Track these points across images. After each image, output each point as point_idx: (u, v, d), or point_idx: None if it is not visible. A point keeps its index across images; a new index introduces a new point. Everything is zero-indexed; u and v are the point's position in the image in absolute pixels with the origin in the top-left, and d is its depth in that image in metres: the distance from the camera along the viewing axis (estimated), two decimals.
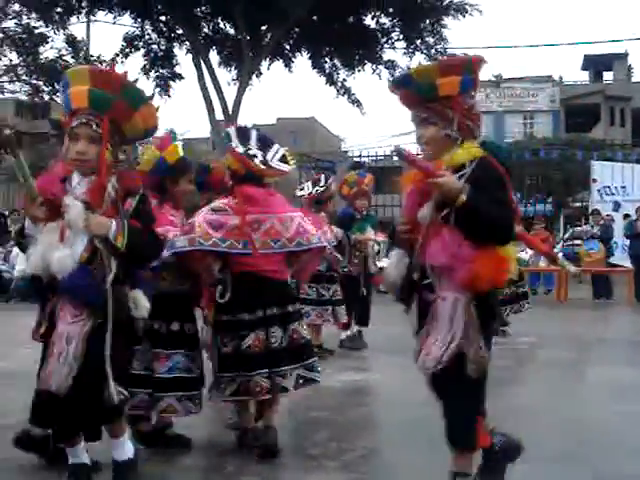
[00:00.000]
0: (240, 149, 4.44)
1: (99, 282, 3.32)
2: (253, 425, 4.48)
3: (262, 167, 4.40)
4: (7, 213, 16.87)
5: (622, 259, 16.42)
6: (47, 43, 23.57)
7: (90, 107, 3.38)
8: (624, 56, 47.53)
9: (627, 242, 16.00)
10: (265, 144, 4.57)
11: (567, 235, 18.29)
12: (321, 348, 7.77)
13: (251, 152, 4.44)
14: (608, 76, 50.49)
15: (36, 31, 23.29)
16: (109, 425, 3.58)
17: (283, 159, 4.56)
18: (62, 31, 22.82)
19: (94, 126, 3.36)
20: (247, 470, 4.09)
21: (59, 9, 21.58)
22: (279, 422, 4.95)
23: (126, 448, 3.66)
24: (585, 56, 48.43)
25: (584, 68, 51.03)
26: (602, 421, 5.25)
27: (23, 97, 26.53)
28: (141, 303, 3.50)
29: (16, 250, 13.94)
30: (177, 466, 4.20)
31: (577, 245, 16.71)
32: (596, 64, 48.76)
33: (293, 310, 4.42)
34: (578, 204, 23.94)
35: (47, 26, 22.61)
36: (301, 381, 4.38)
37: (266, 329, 4.24)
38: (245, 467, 4.13)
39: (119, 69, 3.56)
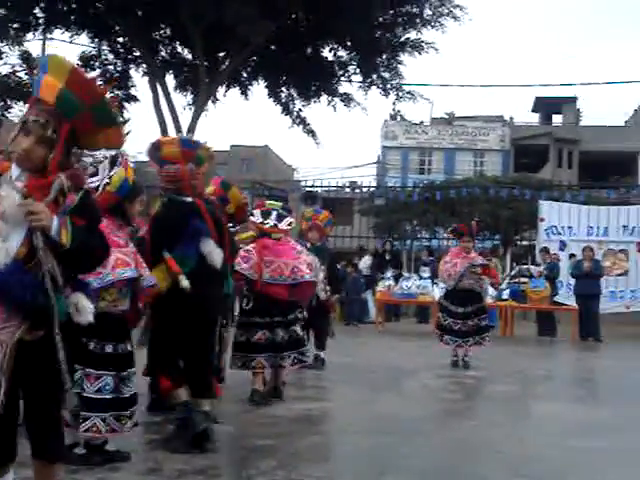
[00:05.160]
0: (259, 220, 6.89)
1: (35, 282, 2.94)
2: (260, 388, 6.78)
3: (270, 228, 6.84)
4: None
5: (567, 298, 16.66)
6: (1, 59, 23.26)
7: (55, 107, 3.07)
8: (573, 100, 48.70)
9: (572, 281, 16.26)
10: (280, 217, 6.92)
11: (513, 272, 18.47)
12: None
13: (265, 221, 6.86)
14: (557, 119, 51.73)
15: None
16: (48, 466, 3.18)
17: (289, 224, 7.00)
18: (17, 47, 22.55)
19: (49, 132, 3.05)
20: None
21: (15, 25, 21.30)
22: (225, 446, 4.93)
23: None
24: (536, 98, 49.57)
25: (534, 110, 52.19)
26: (547, 456, 5.29)
27: None
28: (84, 306, 3.12)
29: None
30: None
31: (523, 283, 16.92)
32: (546, 107, 49.88)
33: (293, 318, 6.90)
34: (525, 242, 24.30)
35: (2, 42, 22.30)
36: (296, 361, 6.90)
37: (272, 329, 6.71)
38: None
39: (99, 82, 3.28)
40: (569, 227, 18.11)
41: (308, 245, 8.91)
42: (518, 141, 47.14)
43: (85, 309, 3.13)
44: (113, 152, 4.49)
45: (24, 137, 3.06)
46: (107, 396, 4.38)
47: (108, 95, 3.26)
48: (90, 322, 3.16)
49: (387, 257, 19.94)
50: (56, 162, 3.06)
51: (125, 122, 3.39)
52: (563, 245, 17.94)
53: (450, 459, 5.18)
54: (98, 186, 4.35)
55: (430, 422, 6.51)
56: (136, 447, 4.81)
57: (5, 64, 23.29)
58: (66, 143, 3.10)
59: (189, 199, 5.12)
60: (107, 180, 4.39)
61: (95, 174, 4.41)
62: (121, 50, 22.92)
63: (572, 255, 16.87)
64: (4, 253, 2.95)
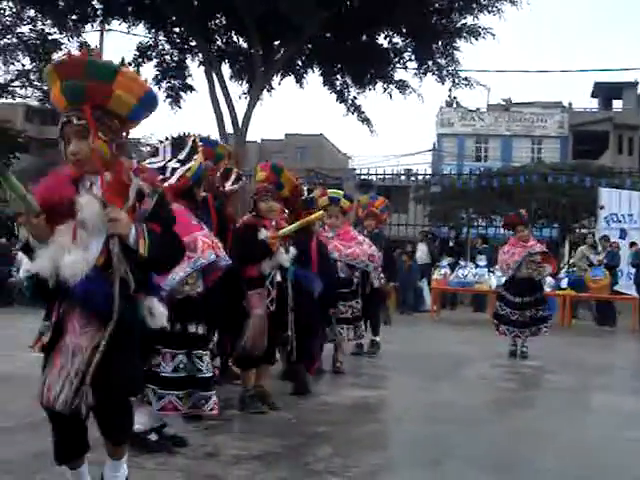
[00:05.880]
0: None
1: (112, 290, 2.99)
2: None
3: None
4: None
5: (627, 287, 16.36)
6: (60, 50, 23.70)
7: (69, 103, 3.10)
8: (634, 85, 47.67)
9: (632, 270, 15.95)
10: None
11: (572, 261, 18.24)
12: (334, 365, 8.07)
13: None
14: (617, 104, 50.68)
15: (50, 37, 23.43)
16: (117, 444, 3.26)
17: None
18: (76, 38, 22.91)
19: (75, 120, 3.05)
20: None
21: (74, 16, 21.65)
22: (282, 433, 4.97)
23: (124, 471, 3.35)
24: (595, 83, 48.62)
25: (594, 95, 51.20)
26: (604, 447, 5.22)
27: (34, 102, 26.53)
28: (158, 311, 3.19)
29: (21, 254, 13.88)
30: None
31: (583, 271, 16.68)
32: (606, 92, 48.92)
33: None
34: (584, 230, 23.95)
35: (61, 33, 22.72)
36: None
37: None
38: None
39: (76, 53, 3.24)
40: (630, 215, 17.77)
41: (365, 232, 9.07)
42: (577, 127, 46.35)
43: (161, 315, 3.21)
44: (175, 135, 4.62)
45: (67, 145, 3.11)
46: (182, 374, 4.45)
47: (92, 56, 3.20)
48: (162, 325, 3.24)
49: (450, 244, 19.92)
50: (96, 149, 3.05)
51: (122, 64, 3.18)
52: (623, 233, 17.62)
53: (507, 448, 5.14)
54: (163, 167, 4.43)
55: (487, 411, 6.46)
56: (193, 432, 4.87)
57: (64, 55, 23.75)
58: (101, 124, 3.08)
59: (203, 193, 5.25)
60: (184, 167, 4.49)
61: (155, 154, 4.50)
62: (177, 40, 23.15)
63: (633, 243, 16.56)
64: (85, 263, 2.98)
